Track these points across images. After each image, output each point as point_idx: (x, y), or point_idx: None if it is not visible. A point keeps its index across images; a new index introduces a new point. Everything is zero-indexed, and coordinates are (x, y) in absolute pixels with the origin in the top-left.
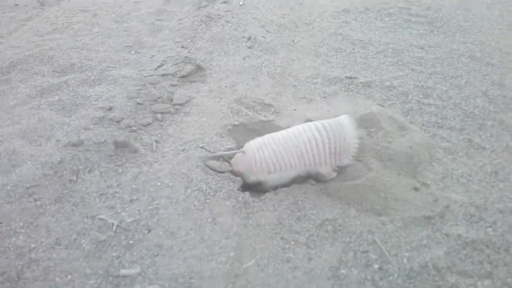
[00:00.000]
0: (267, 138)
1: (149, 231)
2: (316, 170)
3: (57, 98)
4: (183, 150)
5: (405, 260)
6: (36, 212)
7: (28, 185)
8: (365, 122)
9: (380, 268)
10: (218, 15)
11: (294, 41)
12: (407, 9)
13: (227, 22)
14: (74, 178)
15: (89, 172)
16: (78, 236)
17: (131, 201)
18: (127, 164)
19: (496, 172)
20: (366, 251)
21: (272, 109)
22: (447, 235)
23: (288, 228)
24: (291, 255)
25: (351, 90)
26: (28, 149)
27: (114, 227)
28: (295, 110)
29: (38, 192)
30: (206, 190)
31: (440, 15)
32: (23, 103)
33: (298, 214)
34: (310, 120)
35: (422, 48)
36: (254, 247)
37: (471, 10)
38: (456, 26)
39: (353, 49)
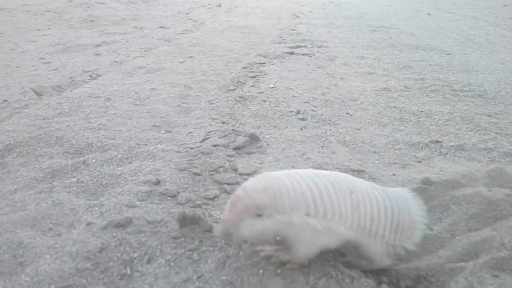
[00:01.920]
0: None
1: None
2: (364, 243)
3: (74, 180)
4: None
5: None
6: None
7: (53, 287)
8: (496, 179)
9: None
10: (252, 96)
11: (348, 113)
12: (449, 86)
13: (264, 101)
14: (128, 271)
15: (149, 262)
16: None
17: None
18: (204, 248)
19: None
20: None
21: (366, 175)
22: None
23: None
24: None
25: (446, 154)
26: (41, 240)
27: None
28: (394, 175)
29: None
30: (337, 276)
31: (486, 89)
32: (27, 187)
33: None
34: (430, 181)
35: (490, 115)
36: None
37: None
38: (509, 96)
39: (418, 118)
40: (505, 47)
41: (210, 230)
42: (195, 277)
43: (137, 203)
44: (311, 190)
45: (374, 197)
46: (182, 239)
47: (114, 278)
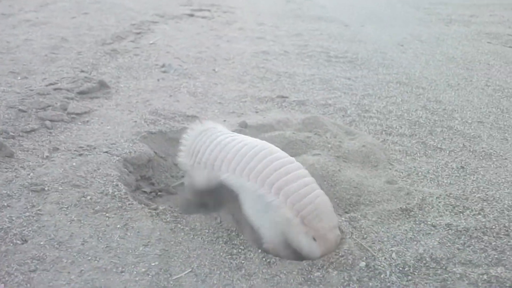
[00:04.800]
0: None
1: (24, 241)
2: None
3: None
4: (81, 155)
5: (394, 255)
6: None
7: None
8: (308, 125)
9: (367, 266)
10: (126, 50)
11: (214, 70)
12: (326, 52)
13: (136, 55)
14: None
15: None
16: None
17: None
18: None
19: (462, 167)
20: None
21: (197, 120)
22: (433, 226)
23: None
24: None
25: (285, 107)
26: None
27: None
28: (225, 120)
29: None
30: (114, 192)
31: (359, 56)
32: None
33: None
34: (245, 124)
35: (349, 78)
36: (188, 255)
37: (387, 53)
38: (377, 63)
39: (279, 78)
40: (402, 22)
41: (11, 155)
42: None
43: None
44: None
45: None
46: None
47: None
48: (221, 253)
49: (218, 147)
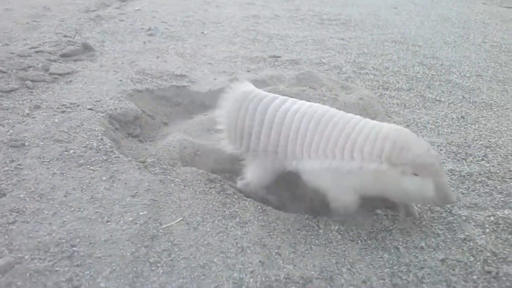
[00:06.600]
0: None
1: (3, 195)
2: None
3: None
4: (63, 112)
5: None
6: None
7: None
8: (303, 81)
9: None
10: (110, 16)
11: (203, 32)
12: (318, 16)
13: (121, 20)
14: None
15: None
16: None
17: None
18: None
19: (463, 117)
20: None
21: (186, 79)
22: None
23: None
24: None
25: (278, 66)
26: None
27: None
28: (215, 79)
29: None
30: (98, 146)
31: (352, 18)
32: None
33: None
34: (237, 79)
35: (342, 39)
36: (179, 205)
37: (381, 15)
38: (371, 24)
39: (271, 39)
40: None
41: None
42: None
43: None
44: None
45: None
46: None
47: None
48: (214, 203)
49: (276, 127)
